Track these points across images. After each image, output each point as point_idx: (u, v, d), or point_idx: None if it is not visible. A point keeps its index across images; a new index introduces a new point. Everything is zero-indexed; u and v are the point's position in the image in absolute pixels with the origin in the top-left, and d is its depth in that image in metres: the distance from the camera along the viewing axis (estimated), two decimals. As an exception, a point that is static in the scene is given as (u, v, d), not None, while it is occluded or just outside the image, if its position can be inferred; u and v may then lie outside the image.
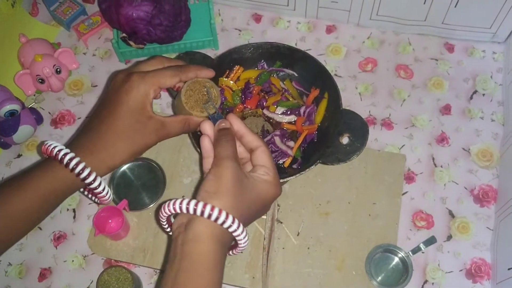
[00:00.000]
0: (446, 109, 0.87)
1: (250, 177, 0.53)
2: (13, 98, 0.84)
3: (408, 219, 0.79)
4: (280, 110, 0.79)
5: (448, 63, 0.91)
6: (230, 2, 0.97)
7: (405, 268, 0.73)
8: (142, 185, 0.81)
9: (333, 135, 0.74)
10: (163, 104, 0.90)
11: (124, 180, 0.81)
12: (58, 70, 0.89)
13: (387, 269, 0.75)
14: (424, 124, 0.86)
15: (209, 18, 0.90)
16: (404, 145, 0.84)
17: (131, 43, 0.89)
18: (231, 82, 0.80)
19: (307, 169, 0.71)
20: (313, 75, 0.80)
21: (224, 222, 0.48)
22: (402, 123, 0.86)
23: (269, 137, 0.77)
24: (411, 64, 0.91)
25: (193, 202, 0.49)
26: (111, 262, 0.78)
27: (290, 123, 0.78)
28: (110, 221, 0.77)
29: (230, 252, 0.55)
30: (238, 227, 0.49)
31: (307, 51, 0.81)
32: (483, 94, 0.88)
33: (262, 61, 0.82)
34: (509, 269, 0.69)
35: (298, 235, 0.77)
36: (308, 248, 0.76)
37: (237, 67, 0.81)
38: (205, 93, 0.62)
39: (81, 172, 0.55)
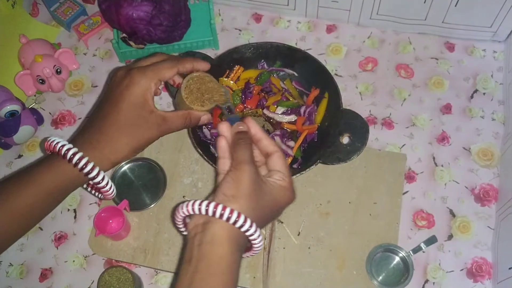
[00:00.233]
0: (446, 108, 0.87)
1: (267, 181, 0.54)
2: (13, 98, 0.84)
3: (408, 218, 0.78)
4: (280, 110, 0.79)
5: (448, 62, 0.91)
6: (230, 2, 0.97)
7: (406, 268, 0.73)
8: (142, 185, 0.81)
9: (333, 135, 0.74)
10: (163, 105, 0.90)
11: (125, 180, 0.81)
12: (59, 70, 0.89)
13: (388, 268, 0.75)
14: (425, 124, 0.86)
15: (209, 18, 0.90)
16: (404, 145, 0.84)
17: (131, 43, 0.89)
18: (231, 82, 0.80)
19: (308, 169, 0.71)
20: (313, 75, 0.80)
21: (242, 225, 0.49)
22: (402, 122, 0.86)
23: (269, 137, 0.77)
24: (411, 64, 0.91)
25: (212, 204, 0.49)
26: (112, 262, 0.78)
27: (290, 123, 0.78)
28: (110, 221, 0.77)
29: (243, 255, 0.55)
30: (255, 231, 0.50)
31: (307, 51, 0.81)
32: (484, 93, 0.88)
33: (262, 61, 0.82)
34: (510, 268, 0.68)
35: (298, 235, 0.77)
36: (309, 247, 0.76)
37: (237, 67, 0.81)
38: (205, 88, 0.63)
39: (84, 166, 0.55)
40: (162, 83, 0.62)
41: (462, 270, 0.75)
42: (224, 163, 0.56)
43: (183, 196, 0.80)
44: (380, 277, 0.74)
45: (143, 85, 0.58)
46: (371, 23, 0.93)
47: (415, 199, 0.80)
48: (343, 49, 0.93)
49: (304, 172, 0.70)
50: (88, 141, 0.58)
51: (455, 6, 0.84)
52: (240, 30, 0.96)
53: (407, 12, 0.89)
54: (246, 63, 0.81)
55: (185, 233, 0.55)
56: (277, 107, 0.79)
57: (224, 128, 0.57)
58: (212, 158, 0.74)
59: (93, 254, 0.78)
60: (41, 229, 0.81)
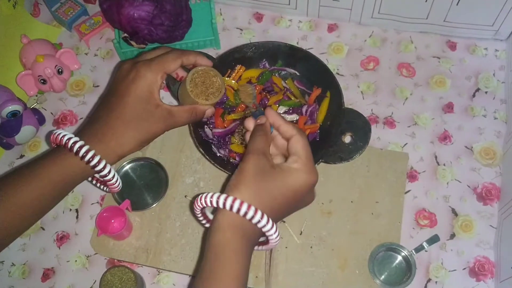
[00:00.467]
0: (448, 107, 0.87)
1: (277, 167, 0.54)
2: (15, 98, 0.84)
3: (411, 217, 0.78)
4: (282, 109, 0.79)
5: (450, 61, 0.91)
6: (231, 1, 0.97)
7: (408, 267, 0.73)
8: (144, 185, 0.81)
9: (335, 134, 0.74)
10: (165, 104, 0.90)
11: (127, 180, 0.81)
12: (60, 70, 0.89)
13: (390, 268, 0.74)
14: (427, 123, 0.85)
15: (211, 17, 0.90)
16: (406, 144, 0.84)
17: (133, 43, 0.89)
18: (233, 81, 0.80)
19: (310, 168, 0.71)
20: (315, 74, 0.80)
21: (239, 210, 0.49)
22: (404, 121, 0.86)
23: (271, 136, 0.77)
24: (413, 62, 0.91)
25: (209, 195, 0.51)
26: (114, 262, 0.78)
27: (292, 122, 0.78)
28: (112, 221, 0.78)
29: (263, 247, 0.56)
30: (261, 217, 0.50)
31: (308, 50, 0.81)
32: (486, 92, 0.88)
33: (264, 60, 0.82)
34: (512, 267, 0.68)
35: (301, 234, 0.77)
36: (311, 247, 0.76)
37: (238, 66, 0.81)
38: (209, 82, 0.63)
39: (91, 159, 0.56)
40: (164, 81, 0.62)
41: (464, 269, 0.75)
42: None
43: (185, 196, 0.80)
44: (383, 276, 0.74)
45: (149, 78, 0.59)
46: (373, 22, 0.93)
47: (417, 198, 0.80)
48: (344, 48, 0.93)
49: (306, 171, 0.70)
50: (94, 134, 0.58)
51: (457, 4, 0.84)
52: (241, 30, 0.96)
53: (408, 11, 0.89)
54: (247, 62, 0.81)
55: (207, 225, 0.58)
56: (278, 106, 0.79)
57: (250, 124, 0.59)
58: (214, 158, 0.74)
59: (95, 254, 0.78)
60: (43, 229, 0.81)
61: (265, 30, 0.96)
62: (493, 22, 0.87)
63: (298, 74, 0.82)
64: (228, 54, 0.80)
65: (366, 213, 0.77)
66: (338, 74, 0.90)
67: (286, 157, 0.57)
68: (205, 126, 0.78)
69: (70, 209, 0.82)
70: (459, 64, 0.90)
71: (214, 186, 0.80)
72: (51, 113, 0.90)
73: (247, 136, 0.59)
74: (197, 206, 0.53)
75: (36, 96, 0.92)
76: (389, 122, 0.86)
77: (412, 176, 0.81)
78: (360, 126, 0.74)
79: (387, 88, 0.89)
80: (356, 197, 0.79)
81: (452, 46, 0.92)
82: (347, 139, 0.74)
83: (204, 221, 0.58)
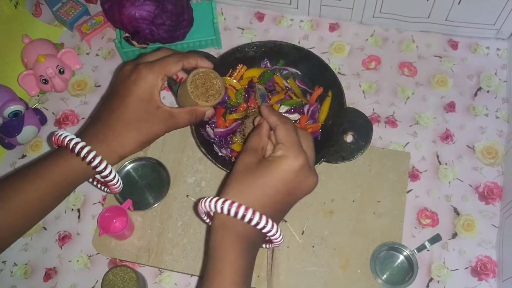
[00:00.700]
0: (450, 107, 0.86)
1: (264, 160, 0.55)
2: (16, 98, 0.84)
3: (412, 217, 0.78)
4: (283, 108, 0.78)
5: (452, 60, 0.90)
6: (232, 1, 0.97)
7: (410, 266, 0.73)
8: (146, 184, 0.81)
9: (337, 134, 0.74)
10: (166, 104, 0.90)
11: (128, 179, 0.81)
12: (62, 70, 0.89)
13: (392, 267, 0.74)
14: (428, 122, 0.85)
15: (212, 17, 0.90)
16: (408, 143, 0.84)
17: (134, 43, 0.89)
18: (235, 81, 0.80)
19: (311, 168, 0.71)
20: (317, 74, 0.80)
21: (222, 208, 0.51)
22: (406, 120, 0.86)
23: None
24: (414, 62, 0.91)
25: (202, 200, 0.53)
26: (116, 262, 0.78)
27: (293, 121, 0.78)
28: (114, 221, 0.78)
29: (266, 246, 0.59)
30: (252, 215, 0.51)
31: (310, 50, 0.81)
32: (488, 91, 0.88)
33: (265, 59, 0.82)
34: (515, 266, 0.68)
35: (302, 233, 0.77)
36: (313, 246, 0.76)
37: (240, 66, 0.81)
38: (210, 84, 0.64)
39: (92, 160, 0.56)
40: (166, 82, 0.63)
41: (466, 268, 0.75)
42: None
43: (187, 196, 0.80)
44: (385, 276, 0.73)
45: (150, 80, 0.59)
46: (374, 21, 0.93)
47: (419, 198, 0.80)
48: (346, 48, 0.93)
49: (308, 171, 0.70)
50: (95, 135, 0.58)
51: (458, 3, 0.84)
52: (242, 29, 0.96)
53: (410, 10, 0.89)
54: (249, 62, 0.81)
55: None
56: (280, 105, 0.79)
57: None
58: (216, 157, 0.74)
59: (97, 253, 0.78)
60: (45, 229, 0.81)
61: (267, 29, 0.96)
62: (494, 21, 0.87)
63: (299, 73, 0.82)
64: (230, 54, 0.80)
65: (368, 212, 0.77)
66: (339, 73, 0.90)
67: None
68: (207, 126, 0.78)
69: (72, 209, 0.82)
70: (461, 63, 0.90)
71: (216, 185, 0.80)
72: (53, 113, 0.90)
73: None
74: (199, 211, 0.56)
75: (38, 96, 0.92)
76: (391, 122, 0.86)
77: (414, 175, 0.81)
78: (362, 126, 0.74)
79: (389, 87, 0.89)
80: (358, 196, 0.79)
81: (454, 45, 0.92)
82: (349, 138, 0.74)
83: (208, 221, 0.59)
